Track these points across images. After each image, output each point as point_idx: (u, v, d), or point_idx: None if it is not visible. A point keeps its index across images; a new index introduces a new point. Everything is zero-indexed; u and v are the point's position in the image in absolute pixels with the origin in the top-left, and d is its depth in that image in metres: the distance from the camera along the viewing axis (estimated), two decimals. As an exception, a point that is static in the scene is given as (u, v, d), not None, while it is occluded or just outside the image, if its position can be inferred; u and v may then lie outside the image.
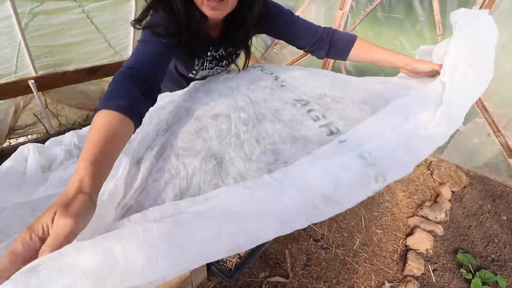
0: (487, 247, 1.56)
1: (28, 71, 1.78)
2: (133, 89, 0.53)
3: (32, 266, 0.28)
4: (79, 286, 0.27)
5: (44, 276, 0.27)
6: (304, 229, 1.55)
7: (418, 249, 1.49)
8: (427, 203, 1.79)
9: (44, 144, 0.66)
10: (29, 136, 2.18)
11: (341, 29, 2.31)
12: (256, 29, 0.82)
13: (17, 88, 1.78)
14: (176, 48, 0.69)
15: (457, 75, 0.58)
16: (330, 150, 0.50)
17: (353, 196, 0.41)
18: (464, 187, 1.97)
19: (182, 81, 0.94)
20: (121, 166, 0.51)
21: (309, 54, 0.94)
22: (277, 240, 1.48)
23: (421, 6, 1.96)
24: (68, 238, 0.32)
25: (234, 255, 1.13)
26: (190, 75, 0.89)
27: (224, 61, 0.91)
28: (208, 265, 1.10)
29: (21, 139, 2.15)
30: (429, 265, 1.42)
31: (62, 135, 0.70)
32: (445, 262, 1.45)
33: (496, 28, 0.59)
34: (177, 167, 0.53)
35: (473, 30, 0.60)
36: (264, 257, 1.38)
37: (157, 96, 0.61)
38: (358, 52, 0.85)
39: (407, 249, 1.50)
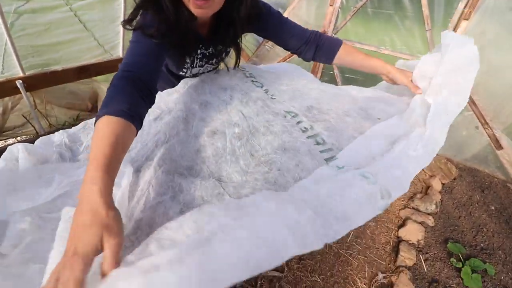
0: (476, 237, 1.60)
1: (15, 71, 1.75)
2: (132, 93, 0.54)
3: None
4: None
5: None
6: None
7: (410, 240, 1.52)
8: (418, 195, 1.83)
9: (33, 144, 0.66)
10: (19, 138, 2.14)
11: (331, 25, 2.32)
12: (245, 29, 0.82)
13: (5, 89, 1.75)
14: (169, 49, 0.69)
15: (441, 99, 0.63)
16: (331, 173, 0.53)
17: (362, 214, 0.42)
18: (454, 179, 2.01)
19: (172, 79, 0.94)
20: (125, 174, 0.52)
21: None
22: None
23: (410, 1, 1.99)
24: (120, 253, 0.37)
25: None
26: (181, 73, 0.89)
27: (214, 59, 0.91)
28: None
29: (10, 141, 2.12)
30: (421, 255, 1.46)
31: (52, 134, 0.70)
32: (436, 252, 1.49)
33: (478, 59, 0.64)
34: (180, 184, 0.56)
35: (460, 57, 0.65)
36: (259, 253, 1.39)
37: (155, 97, 0.62)
38: (343, 56, 0.87)
39: (399, 241, 1.53)
